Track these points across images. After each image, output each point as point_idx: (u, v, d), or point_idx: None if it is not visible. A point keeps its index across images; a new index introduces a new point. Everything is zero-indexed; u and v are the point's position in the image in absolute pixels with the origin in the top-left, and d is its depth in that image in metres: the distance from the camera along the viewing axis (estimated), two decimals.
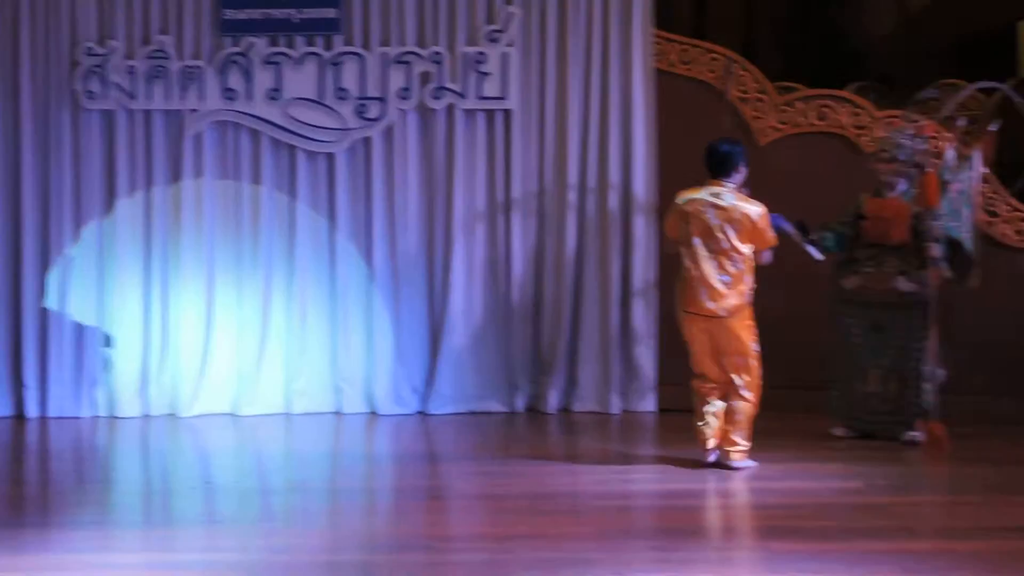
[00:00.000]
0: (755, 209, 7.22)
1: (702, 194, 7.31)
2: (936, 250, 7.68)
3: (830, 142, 8.84)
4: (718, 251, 7.24)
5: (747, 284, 7.25)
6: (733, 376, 7.30)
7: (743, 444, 7.28)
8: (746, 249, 7.22)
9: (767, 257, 7.30)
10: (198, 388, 8.93)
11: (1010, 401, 8.48)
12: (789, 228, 7.51)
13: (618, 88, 8.95)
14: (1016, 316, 8.67)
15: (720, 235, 7.21)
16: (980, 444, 7.86)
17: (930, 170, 7.73)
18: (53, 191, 8.93)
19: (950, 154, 7.94)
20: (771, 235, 7.22)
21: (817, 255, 7.62)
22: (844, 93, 9.04)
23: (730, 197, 7.29)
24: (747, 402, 7.31)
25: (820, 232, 7.87)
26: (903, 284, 7.86)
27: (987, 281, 8.17)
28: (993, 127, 8.01)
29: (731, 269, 7.22)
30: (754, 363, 7.31)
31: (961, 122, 8.18)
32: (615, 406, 8.94)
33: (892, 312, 7.89)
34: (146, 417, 8.89)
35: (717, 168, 7.31)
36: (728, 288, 7.19)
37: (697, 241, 7.30)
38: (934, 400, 7.75)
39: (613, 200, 8.95)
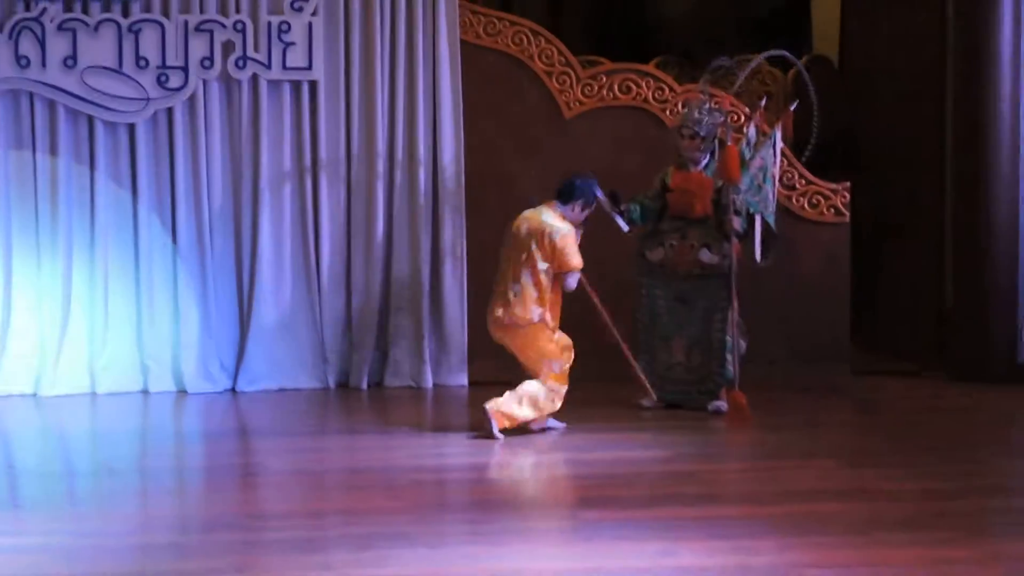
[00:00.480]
0: (560, 229, 7.28)
1: (534, 210, 7.49)
2: (737, 223, 7.83)
3: (635, 115, 8.97)
4: (517, 262, 7.34)
5: (542, 301, 7.29)
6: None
7: (511, 413, 7.30)
8: (543, 266, 7.28)
9: (570, 283, 7.34)
10: None
11: (807, 368, 8.84)
12: (601, 196, 7.60)
13: (424, 59, 8.90)
14: (813, 287, 9.03)
15: (523, 248, 7.32)
16: (780, 411, 8.10)
17: (731, 144, 7.88)
18: None
19: (751, 131, 8.12)
20: (572, 261, 7.27)
21: (623, 226, 7.71)
22: (647, 68, 9.25)
23: (548, 215, 7.43)
24: (537, 383, 7.41)
25: (629, 204, 8.00)
26: (706, 256, 7.97)
27: (787, 254, 8.53)
28: (792, 105, 8.16)
29: (524, 281, 7.30)
30: (550, 378, 7.40)
31: (762, 102, 8.40)
32: (428, 380, 8.92)
33: (695, 284, 8.01)
34: None
35: (558, 192, 7.52)
36: (515, 299, 7.29)
37: (504, 251, 7.49)
38: (737, 370, 7.91)
39: (421, 173, 8.91)
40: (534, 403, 7.31)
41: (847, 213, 9.01)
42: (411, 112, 8.90)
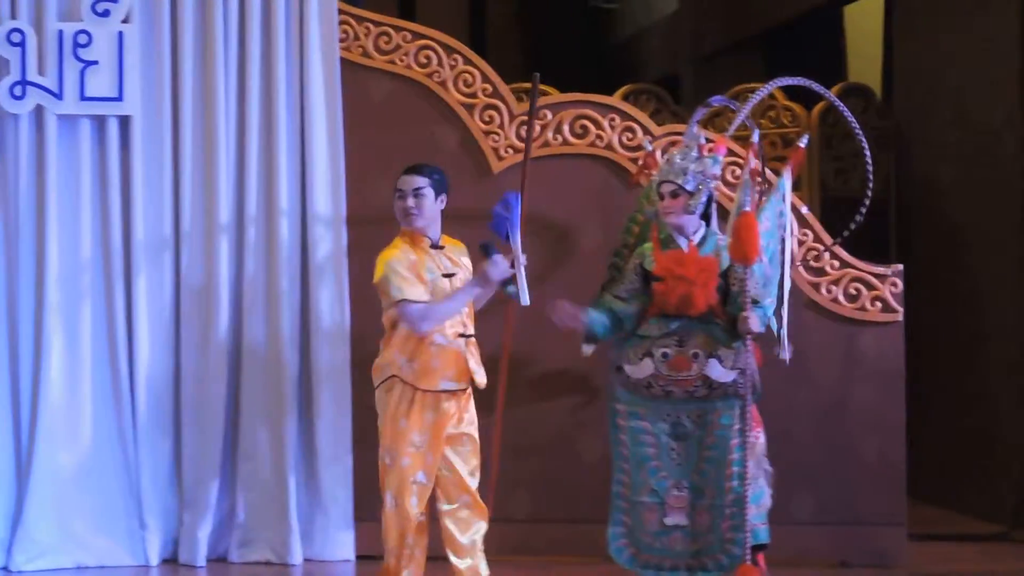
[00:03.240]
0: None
1: None
2: (755, 320, 7.32)
3: (593, 168, 8.51)
4: None
5: (387, 354, 6.95)
6: None
7: None
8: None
9: (402, 326, 6.89)
10: None
11: (844, 533, 8.30)
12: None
13: (289, 86, 8.44)
14: (851, 415, 8.39)
15: None
16: None
17: (747, 210, 7.35)
18: None
19: (744, 177, 7.65)
20: (388, 297, 6.85)
21: (522, 299, 7.10)
22: (611, 100, 8.82)
23: None
24: None
25: (593, 306, 7.52)
26: (716, 371, 7.38)
27: (810, 361, 8.18)
28: (803, 140, 7.73)
29: None
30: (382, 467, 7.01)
31: (803, 140, 7.88)
32: (295, 553, 8.37)
33: (699, 410, 7.45)
34: None
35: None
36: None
37: None
38: (766, 528, 7.58)
39: (284, 250, 8.43)
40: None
41: (900, 309, 8.37)
42: (268, 162, 8.49)
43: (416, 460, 6.79)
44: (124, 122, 8.26)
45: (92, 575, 8.12)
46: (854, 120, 7.84)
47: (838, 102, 7.97)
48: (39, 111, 8.19)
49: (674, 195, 7.40)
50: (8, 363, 8.30)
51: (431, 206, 6.79)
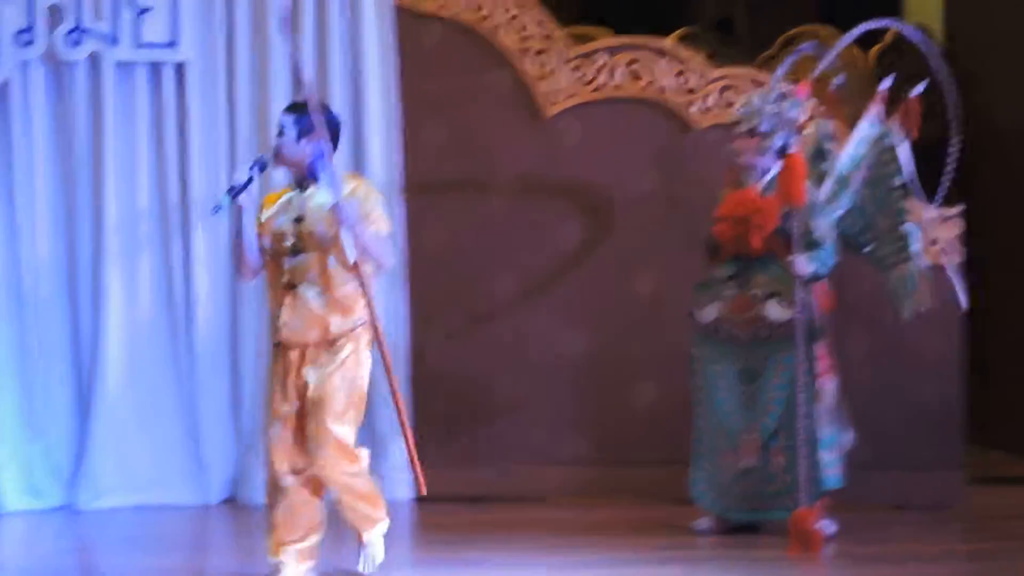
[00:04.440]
0: None
1: None
2: (802, 263, 7.36)
3: (646, 112, 8.49)
4: None
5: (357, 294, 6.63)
6: None
7: None
8: None
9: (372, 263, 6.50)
10: None
11: (903, 476, 8.26)
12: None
13: (342, 34, 8.44)
14: (909, 361, 8.37)
15: None
16: (869, 538, 7.64)
17: (794, 152, 7.37)
18: None
19: (826, 126, 7.72)
20: (379, 224, 6.54)
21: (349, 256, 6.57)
22: (666, 43, 8.75)
23: None
24: None
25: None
26: (774, 311, 7.45)
27: (867, 304, 8.08)
28: (920, 87, 7.60)
29: None
30: None
31: (839, 81, 7.94)
32: None
33: (765, 352, 7.54)
34: None
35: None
36: None
37: None
38: (840, 474, 7.57)
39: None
40: None
41: (959, 251, 8.27)
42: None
43: None
44: (179, 69, 8.32)
45: (153, 515, 8.23)
46: (939, 64, 7.67)
47: (930, 50, 7.74)
48: (95, 58, 8.25)
49: (749, 136, 7.49)
50: (69, 309, 8.39)
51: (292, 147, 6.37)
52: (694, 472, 7.72)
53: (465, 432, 8.39)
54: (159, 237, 8.48)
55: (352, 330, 6.29)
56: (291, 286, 6.21)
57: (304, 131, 6.31)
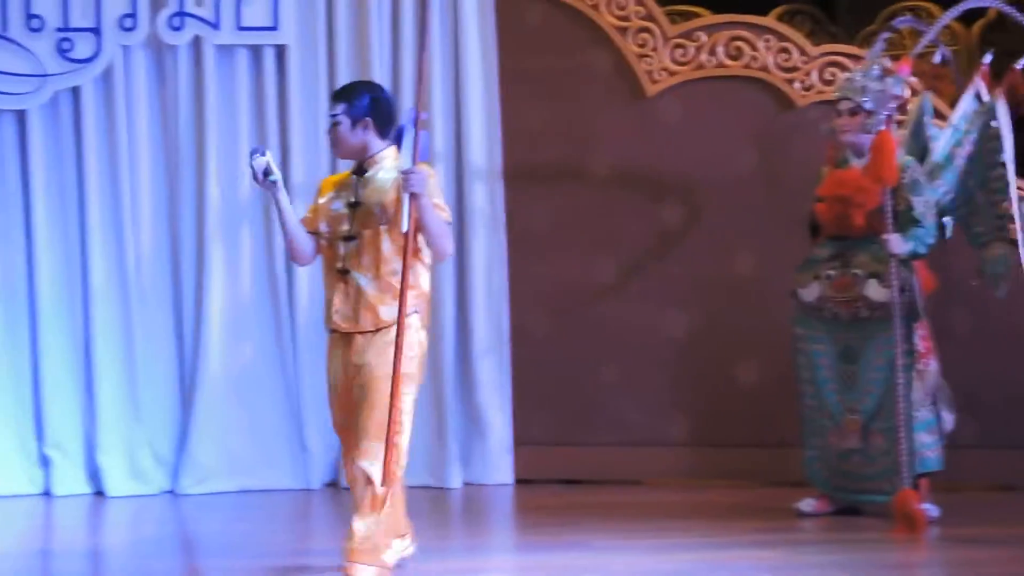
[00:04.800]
0: None
1: None
2: (896, 243, 7.30)
3: (748, 90, 8.50)
4: None
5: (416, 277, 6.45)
6: None
7: None
8: None
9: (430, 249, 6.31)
10: None
11: (1011, 455, 8.15)
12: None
13: (442, 11, 8.48)
14: (1015, 339, 8.23)
15: None
16: (976, 519, 7.57)
17: (882, 128, 7.32)
18: None
19: (928, 102, 7.65)
20: (440, 209, 6.32)
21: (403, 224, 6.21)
22: (766, 21, 8.78)
23: None
24: None
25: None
26: (874, 291, 7.40)
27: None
28: (1023, 63, 7.53)
29: None
30: None
31: (944, 53, 7.82)
32: (453, 477, 8.47)
33: (866, 332, 7.52)
34: None
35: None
36: None
37: None
38: (940, 456, 7.51)
39: (439, 175, 8.39)
40: None
41: None
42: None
43: None
44: (280, 52, 8.37)
45: (255, 499, 8.26)
46: None
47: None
48: (197, 42, 8.30)
49: (852, 113, 7.42)
50: (172, 294, 8.47)
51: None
52: (806, 451, 7.71)
53: (565, 414, 8.38)
54: (260, 221, 8.51)
55: (404, 317, 6.09)
56: (344, 272, 6.06)
57: (357, 118, 6.14)
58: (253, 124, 8.43)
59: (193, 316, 8.42)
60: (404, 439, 6.10)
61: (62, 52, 8.21)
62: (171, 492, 8.36)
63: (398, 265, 5.99)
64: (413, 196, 5.85)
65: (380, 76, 8.46)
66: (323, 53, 8.43)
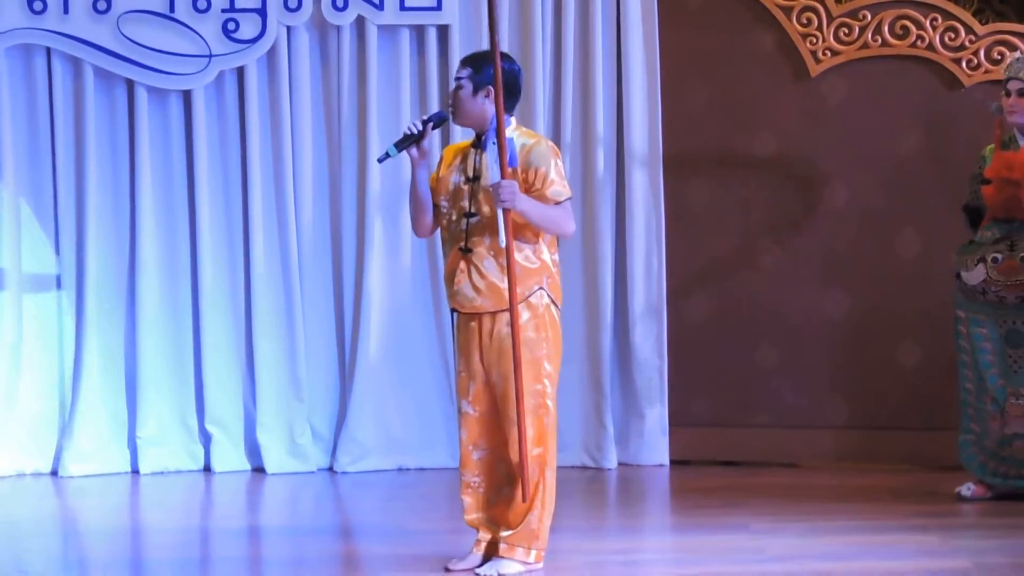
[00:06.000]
0: None
1: None
2: None
3: (915, 70, 8.41)
4: None
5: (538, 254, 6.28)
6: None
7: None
8: None
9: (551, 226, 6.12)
10: None
11: None
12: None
13: None
14: None
15: None
16: None
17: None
18: None
19: None
20: (558, 186, 6.15)
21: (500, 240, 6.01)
22: None
23: None
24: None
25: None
26: None
27: None
28: None
29: None
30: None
31: None
32: (610, 458, 8.45)
33: None
34: None
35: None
36: None
37: None
38: None
39: (600, 159, 8.47)
40: None
41: None
42: (584, 71, 8.51)
43: None
44: (443, 31, 8.37)
45: (412, 477, 8.36)
46: None
47: None
48: (360, 22, 8.32)
49: (1021, 94, 7.33)
50: (332, 270, 8.54)
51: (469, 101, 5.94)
52: (962, 435, 7.58)
53: (722, 395, 8.35)
54: None
55: (527, 296, 5.86)
56: (466, 250, 5.85)
57: (480, 85, 5.91)
58: (415, 104, 8.45)
59: (353, 296, 8.48)
60: (550, 420, 5.92)
61: (227, 33, 8.30)
62: (329, 469, 8.45)
63: (522, 245, 5.83)
64: (505, 211, 5.72)
65: (542, 56, 8.47)
66: (485, 32, 8.39)
